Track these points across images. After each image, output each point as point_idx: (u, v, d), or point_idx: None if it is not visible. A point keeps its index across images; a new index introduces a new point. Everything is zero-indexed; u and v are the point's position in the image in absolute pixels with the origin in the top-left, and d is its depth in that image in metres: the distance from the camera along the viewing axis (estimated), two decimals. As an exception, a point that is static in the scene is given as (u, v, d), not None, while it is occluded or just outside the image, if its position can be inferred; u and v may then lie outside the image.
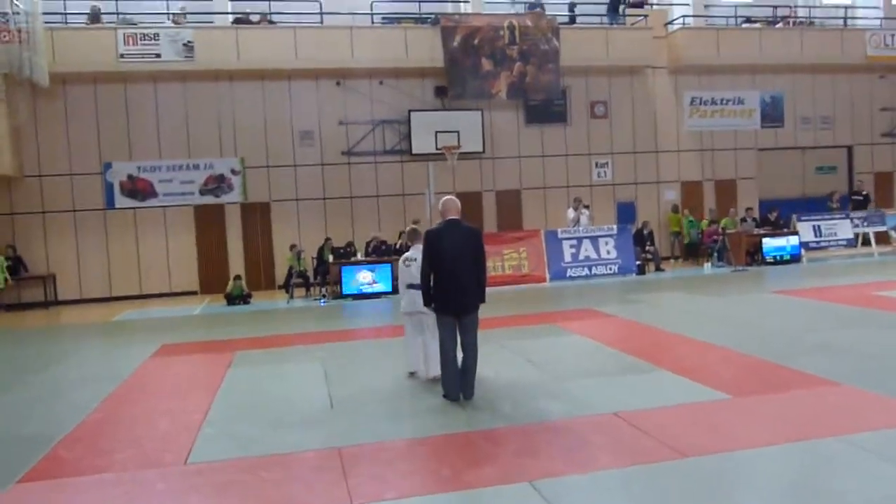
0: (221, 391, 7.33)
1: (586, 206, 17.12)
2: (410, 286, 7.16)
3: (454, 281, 6.37)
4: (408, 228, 8.12)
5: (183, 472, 5.02)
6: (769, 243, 17.23)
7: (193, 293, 17.20)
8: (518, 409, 6.17)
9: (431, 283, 6.46)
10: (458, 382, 6.46)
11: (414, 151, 17.88)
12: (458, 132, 17.73)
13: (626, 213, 19.50)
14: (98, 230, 16.86)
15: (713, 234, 18.04)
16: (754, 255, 17.29)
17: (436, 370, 6.87)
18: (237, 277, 15.70)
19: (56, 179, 16.67)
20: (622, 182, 19.77)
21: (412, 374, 7.46)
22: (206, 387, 7.55)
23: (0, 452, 5.61)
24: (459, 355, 6.50)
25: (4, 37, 15.17)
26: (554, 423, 5.69)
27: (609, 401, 6.24)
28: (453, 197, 6.70)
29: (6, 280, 15.46)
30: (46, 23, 15.71)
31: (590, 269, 16.29)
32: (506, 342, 9.00)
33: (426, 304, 6.57)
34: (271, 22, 17.61)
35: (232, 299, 15.12)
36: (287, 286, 15.82)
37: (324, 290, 15.46)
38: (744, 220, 18.08)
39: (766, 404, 5.93)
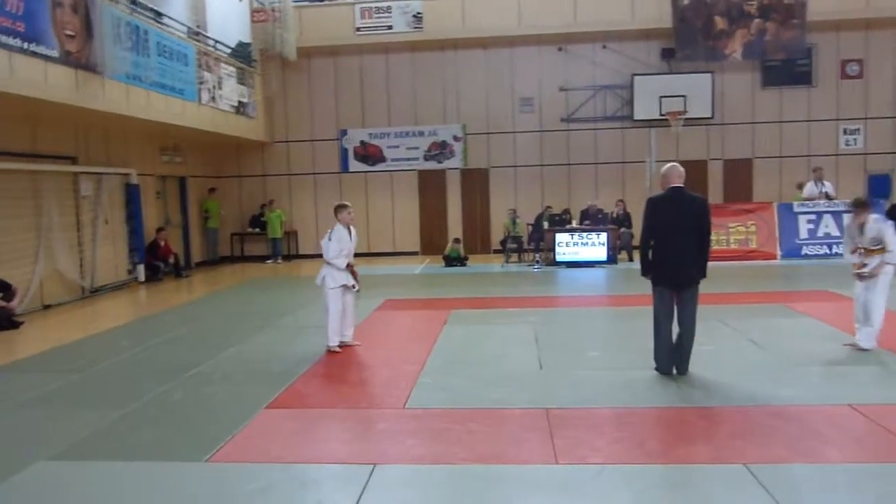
0: (437, 345, 7.75)
1: (827, 195, 15.17)
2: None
3: (675, 252, 6.08)
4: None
5: (401, 416, 5.41)
6: None
7: (415, 253, 18.23)
8: (735, 389, 5.82)
9: (650, 253, 6.27)
10: (670, 356, 6.24)
11: (636, 117, 17.29)
12: (684, 97, 16.82)
13: (879, 185, 17.31)
14: (334, 192, 18.40)
15: None
16: None
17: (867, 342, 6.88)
18: (456, 240, 16.36)
19: (299, 145, 18.43)
20: (876, 151, 17.55)
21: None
22: (423, 340, 8.02)
23: (254, 383, 6.43)
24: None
25: (261, 17, 16.93)
26: (776, 408, 5.30)
27: (843, 391, 5.67)
28: (677, 164, 6.38)
29: (281, 230, 17.66)
30: (294, 1, 17.27)
31: (829, 248, 14.75)
32: (727, 320, 8.50)
33: (643, 273, 6.37)
34: (496, -11, 17.82)
35: (450, 261, 15.80)
36: (503, 250, 16.20)
37: (537, 255, 15.59)
38: None
39: None
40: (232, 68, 15.97)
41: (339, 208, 7.66)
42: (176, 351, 7.99)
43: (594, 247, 14.91)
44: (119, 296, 12.87)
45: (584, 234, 15.07)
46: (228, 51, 16.38)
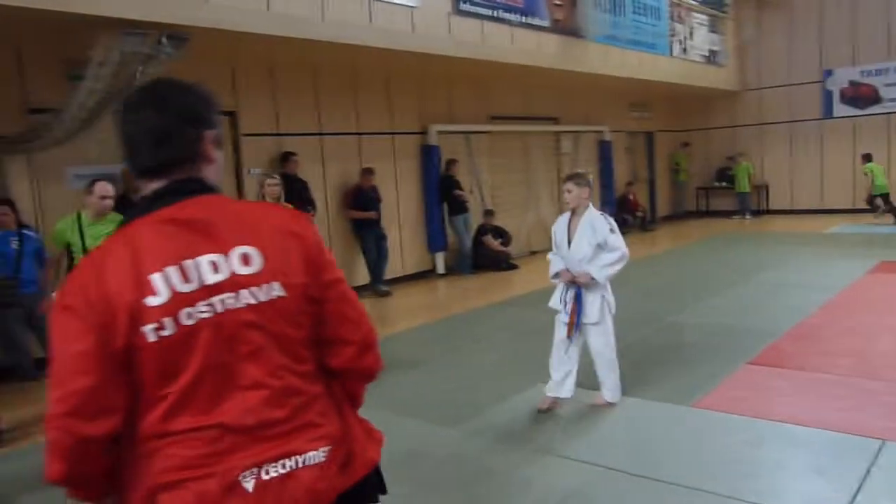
0: (956, 317, 6.48)
1: None
2: None
3: None
4: None
5: (912, 392, 4.69)
6: None
7: (915, 210, 15.42)
8: None
9: None
10: None
11: None
12: None
13: None
14: (812, 141, 16.64)
15: None
16: None
17: None
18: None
19: (773, 91, 17.03)
20: None
21: None
22: (935, 310, 6.79)
23: (731, 338, 6.28)
24: None
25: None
26: None
27: None
28: None
29: (749, 184, 16.62)
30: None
31: None
32: None
33: None
34: None
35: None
36: None
37: None
38: None
39: None
40: (703, 17, 15.50)
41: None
42: (649, 299, 8.26)
43: None
44: (592, 246, 13.80)
45: None
46: (700, -1, 15.93)
